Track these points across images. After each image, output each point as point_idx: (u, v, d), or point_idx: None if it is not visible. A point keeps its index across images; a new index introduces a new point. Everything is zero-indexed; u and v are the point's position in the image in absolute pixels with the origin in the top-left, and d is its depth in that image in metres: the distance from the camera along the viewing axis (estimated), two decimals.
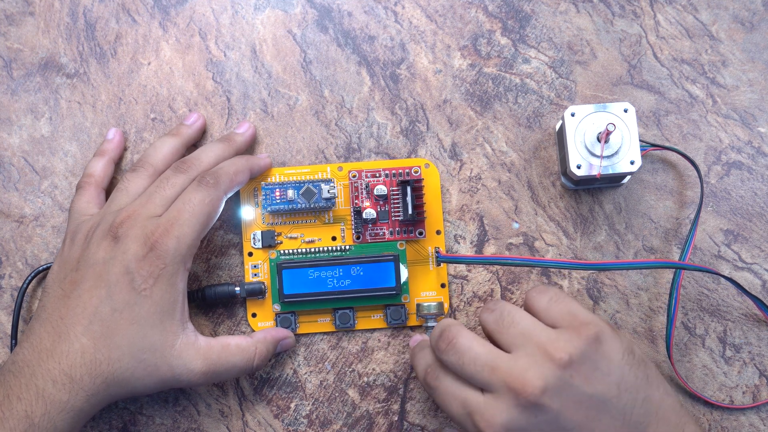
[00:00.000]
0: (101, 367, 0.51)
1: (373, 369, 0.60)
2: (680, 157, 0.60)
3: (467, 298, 0.60)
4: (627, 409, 0.48)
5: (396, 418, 0.60)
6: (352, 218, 0.59)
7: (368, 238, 0.59)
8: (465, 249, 0.60)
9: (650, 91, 0.61)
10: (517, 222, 0.61)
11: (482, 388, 0.49)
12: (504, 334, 0.50)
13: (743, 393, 0.59)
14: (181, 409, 0.60)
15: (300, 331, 0.60)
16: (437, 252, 0.60)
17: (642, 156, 0.57)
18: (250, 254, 0.60)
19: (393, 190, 0.59)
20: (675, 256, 0.60)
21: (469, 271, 0.60)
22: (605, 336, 0.49)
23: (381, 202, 0.60)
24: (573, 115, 0.57)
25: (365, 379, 0.60)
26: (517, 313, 0.51)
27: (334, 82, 0.62)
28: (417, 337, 0.57)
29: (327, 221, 0.60)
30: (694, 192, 0.61)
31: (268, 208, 0.59)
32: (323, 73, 0.62)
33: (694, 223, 0.58)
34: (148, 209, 0.54)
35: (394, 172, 0.60)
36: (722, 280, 0.59)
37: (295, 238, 0.60)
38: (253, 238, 0.60)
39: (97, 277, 0.52)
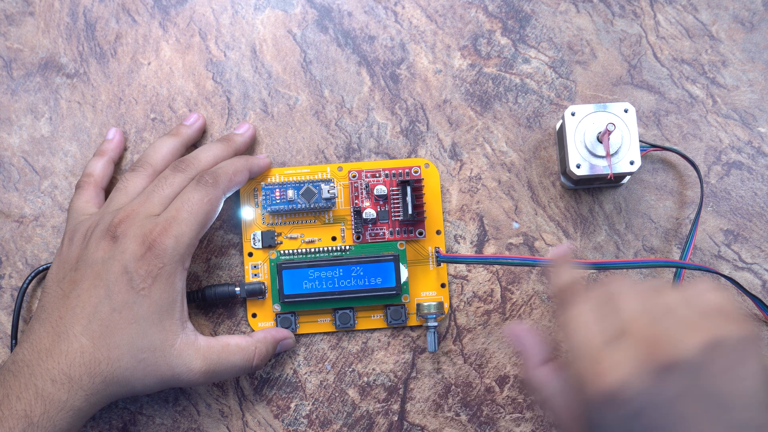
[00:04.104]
0: (100, 367, 0.51)
1: (373, 369, 0.60)
2: (680, 157, 0.60)
3: (467, 298, 0.60)
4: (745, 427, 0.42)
5: (396, 418, 0.60)
6: (352, 218, 0.59)
7: (368, 238, 0.59)
8: (465, 249, 0.60)
9: (650, 91, 0.61)
10: (517, 222, 0.61)
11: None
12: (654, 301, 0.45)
13: None
14: (181, 409, 0.60)
15: (300, 331, 0.60)
16: (437, 252, 0.60)
17: (642, 156, 0.57)
18: (250, 254, 0.60)
19: (393, 190, 0.59)
20: (675, 256, 0.60)
21: (469, 271, 0.60)
22: (758, 345, 0.43)
23: (381, 202, 0.60)
24: (573, 114, 0.57)
25: (365, 379, 0.60)
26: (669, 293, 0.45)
27: (334, 82, 0.62)
28: (565, 246, 0.52)
29: (327, 221, 0.60)
30: (694, 192, 0.61)
31: (268, 209, 0.59)
32: (323, 73, 0.62)
33: (695, 223, 0.58)
34: (147, 208, 0.54)
35: (394, 172, 0.60)
36: (722, 280, 0.59)
37: (295, 238, 0.60)
38: (253, 238, 0.60)
39: (96, 277, 0.52)
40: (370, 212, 0.59)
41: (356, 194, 0.60)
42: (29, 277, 0.59)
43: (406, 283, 0.59)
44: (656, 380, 0.41)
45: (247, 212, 0.60)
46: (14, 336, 0.59)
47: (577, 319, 0.45)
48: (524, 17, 0.62)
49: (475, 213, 0.61)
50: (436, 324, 0.58)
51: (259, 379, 0.60)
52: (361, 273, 0.58)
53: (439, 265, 0.60)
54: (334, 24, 0.62)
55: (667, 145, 0.60)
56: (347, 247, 0.59)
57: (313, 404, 0.60)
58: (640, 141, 0.58)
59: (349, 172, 0.60)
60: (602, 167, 0.56)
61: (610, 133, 0.55)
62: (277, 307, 0.59)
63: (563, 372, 0.48)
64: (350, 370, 0.60)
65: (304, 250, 0.59)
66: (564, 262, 0.50)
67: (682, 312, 0.43)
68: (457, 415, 0.60)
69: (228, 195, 0.56)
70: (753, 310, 0.60)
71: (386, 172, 0.60)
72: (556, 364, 0.49)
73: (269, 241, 0.59)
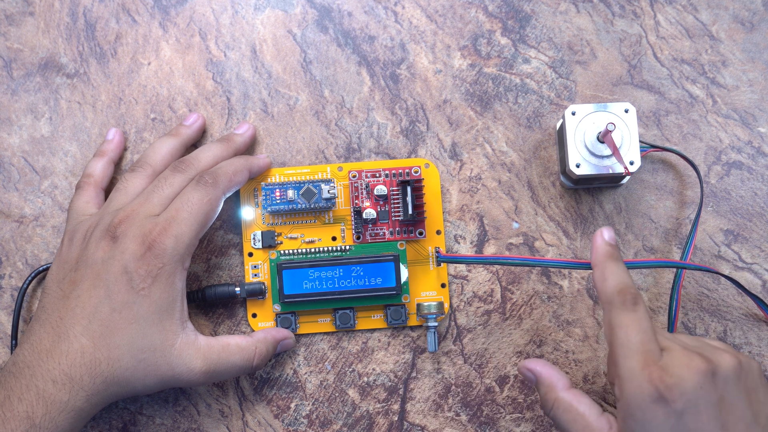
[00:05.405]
0: (101, 367, 0.51)
1: (373, 369, 0.60)
2: (680, 157, 0.60)
3: (467, 298, 0.60)
4: None
5: (396, 418, 0.60)
6: (352, 218, 0.59)
7: (368, 238, 0.59)
8: (465, 249, 0.60)
9: (650, 91, 0.61)
10: (517, 222, 0.61)
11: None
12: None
13: None
14: (181, 409, 0.60)
15: (300, 331, 0.60)
16: (437, 252, 0.60)
17: (642, 157, 0.57)
18: (251, 254, 0.60)
19: (393, 190, 0.59)
20: (675, 256, 0.60)
21: (469, 271, 0.60)
22: None
23: (381, 202, 0.60)
24: (574, 114, 0.57)
25: (365, 379, 0.60)
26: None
27: (334, 82, 0.62)
28: (609, 233, 0.51)
29: (327, 221, 0.60)
30: (694, 192, 0.61)
31: (268, 209, 0.59)
32: (323, 73, 0.62)
33: (695, 223, 0.58)
34: (146, 209, 0.54)
35: (394, 172, 0.60)
36: (722, 280, 0.59)
37: (295, 238, 0.60)
38: (253, 238, 0.60)
39: (96, 277, 0.52)
40: (370, 212, 0.59)
41: (356, 194, 0.60)
42: (29, 277, 0.59)
43: (406, 283, 0.59)
44: (702, 384, 0.46)
45: (247, 212, 0.60)
46: (14, 336, 0.59)
47: (638, 320, 0.48)
48: (524, 17, 0.62)
49: (475, 213, 0.61)
50: (436, 324, 0.58)
51: (259, 379, 0.60)
52: (361, 273, 0.58)
53: (439, 265, 0.60)
54: (334, 24, 0.62)
55: (667, 145, 0.60)
56: (347, 247, 0.59)
57: (313, 404, 0.60)
58: (640, 141, 0.58)
59: (349, 172, 0.60)
60: (605, 167, 0.56)
61: (611, 132, 0.55)
62: (277, 307, 0.59)
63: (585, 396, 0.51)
64: (350, 370, 0.60)
65: (304, 250, 0.59)
66: (619, 259, 0.51)
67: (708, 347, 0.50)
68: (457, 415, 0.60)
69: (228, 195, 0.56)
70: (753, 309, 0.60)
71: (386, 172, 0.60)
72: (579, 390, 0.52)
73: (269, 241, 0.59)
